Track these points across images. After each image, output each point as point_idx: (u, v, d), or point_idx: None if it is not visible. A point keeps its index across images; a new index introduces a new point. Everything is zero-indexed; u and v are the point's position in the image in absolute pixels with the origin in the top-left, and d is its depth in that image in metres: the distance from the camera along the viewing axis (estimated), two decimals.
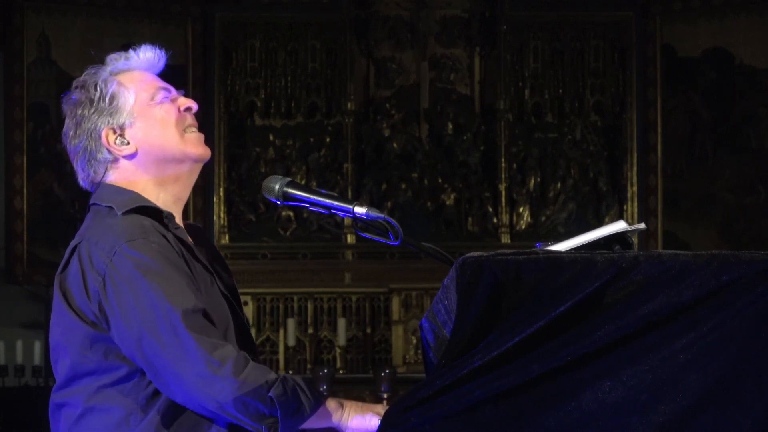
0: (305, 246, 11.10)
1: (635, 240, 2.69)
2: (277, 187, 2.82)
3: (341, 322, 10.60)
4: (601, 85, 11.21)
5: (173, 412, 2.69)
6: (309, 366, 10.42)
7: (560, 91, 11.22)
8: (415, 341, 10.38)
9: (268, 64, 11.13)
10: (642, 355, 2.35)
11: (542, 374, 2.34)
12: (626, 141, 11.13)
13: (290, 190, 2.82)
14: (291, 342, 10.53)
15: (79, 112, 2.84)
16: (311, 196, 2.81)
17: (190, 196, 2.96)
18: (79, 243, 2.73)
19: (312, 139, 11.15)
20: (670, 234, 11.00)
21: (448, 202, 11.21)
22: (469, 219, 11.22)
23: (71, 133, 2.86)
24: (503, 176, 11.09)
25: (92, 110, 2.83)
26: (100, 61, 2.90)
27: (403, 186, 11.16)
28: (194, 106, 2.89)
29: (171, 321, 2.62)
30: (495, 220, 11.15)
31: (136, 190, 2.82)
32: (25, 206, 10.40)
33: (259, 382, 2.60)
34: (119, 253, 2.67)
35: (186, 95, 2.92)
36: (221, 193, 10.99)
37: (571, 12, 11.30)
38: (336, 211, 2.81)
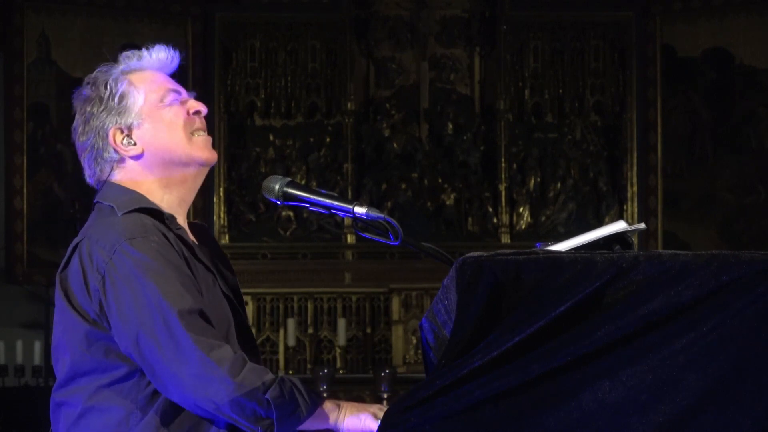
0: (305, 246, 11.09)
1: (635, 240, 2.69)
2: (277, 187, 2.82)
3: (341, 322, 10.59)
4: (601, 85, 11.20)
5: (173, 412, 2.68)
6: (309, 366, 10.40)
7: (560, 91, 11.21)
8: (415, 341, 10.37)
9: (268, 64, 11.12)
10: (642, 355, 2.35)
11: (542, 374, 2.34)
12: (626, 141, 11.12)
13: (290, 190, 2.82)
14: (291, 342, 10.52)
15: (89, 109, 2.84)
16: (311, 196, 2.81)
17: None
18: (81, 241, 2.73)
19: (312, 139, 11.14)
20: (670, 234, 11.00)
21: (448, 202, 11.20)
22: (469, 219, 11.21)
23: (80, 129, 2.85)
24: (503, 176, 11.08)
25: (101, 108, 2.82)
26: (108, 61, 2.89)
27: (403, 186, 11.15)
28: (204, 109, 2.88)
29: (168, 321, 2.62)
30: (495, 220, 11.14)
31: (140, 191, 2.82)
32: (25, 206, 10.39)
33: (256, 383, 2.60)
34: (119, 251, 2.67)
35: (196, 98, 2.91)
36: (221, 193, 10.98)
37: (571, 12, 11.28)
38: (336, 211, 2.80)
